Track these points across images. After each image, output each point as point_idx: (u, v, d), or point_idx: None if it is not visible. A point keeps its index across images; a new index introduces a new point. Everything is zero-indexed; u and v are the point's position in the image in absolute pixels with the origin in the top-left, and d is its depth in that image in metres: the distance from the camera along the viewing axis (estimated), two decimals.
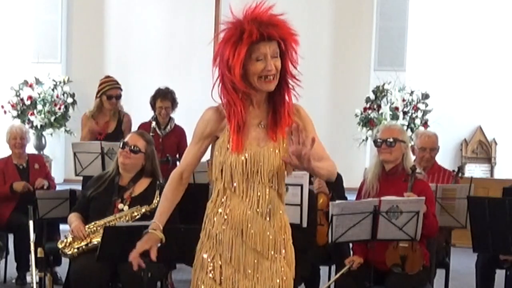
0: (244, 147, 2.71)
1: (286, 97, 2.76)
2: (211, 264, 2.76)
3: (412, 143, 5.64)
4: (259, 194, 2.74)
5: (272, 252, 2.77)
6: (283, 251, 2.80)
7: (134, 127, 6.37)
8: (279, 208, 2.79)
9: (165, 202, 2.88)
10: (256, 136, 2.75)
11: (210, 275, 2.76)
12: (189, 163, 2.86)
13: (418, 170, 4.45)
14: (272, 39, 2.66)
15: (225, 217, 2.75)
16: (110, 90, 6.38)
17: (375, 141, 4.53)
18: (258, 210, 2.74)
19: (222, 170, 2.74)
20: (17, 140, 6.11)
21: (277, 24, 2.68)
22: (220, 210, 2.76)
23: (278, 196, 2.78)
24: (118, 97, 6.40)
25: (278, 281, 2.78)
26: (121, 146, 4.50)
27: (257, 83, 2.67)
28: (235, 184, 2.73)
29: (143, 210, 4.33)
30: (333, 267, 5.02)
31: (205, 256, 2.78)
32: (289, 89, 2.75)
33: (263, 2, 2.70)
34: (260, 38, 2.63)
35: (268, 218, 2.75)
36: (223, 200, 2.76)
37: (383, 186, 4.43)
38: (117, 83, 6.49)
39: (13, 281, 5.93)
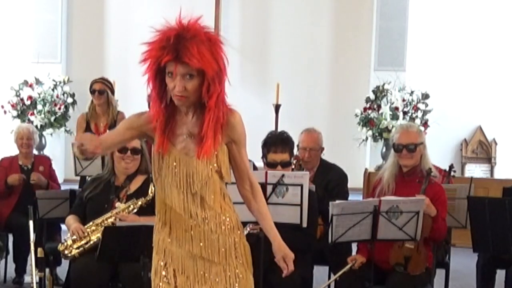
0: (169, 151, 2.72)
1: (213, 115, 2.67)
2: (165, 271, 2.78)
3: None
4: (193, 203, 2.73)
5: (222, 256, 2.78)
6: (235, 251, 2.81)
7: None
8: (220, 214, 2.77)
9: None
10: (185, 146, 2.74)
11: (165, 280, 2.78)
12: (110, 146, 2.84)
13: (433, 173, 4.43)
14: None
15: (168, 228, 2.77)
16: (93, 84, 6.52)
17: (394, 146, 4.48)
18: (196, 218, 2.74)
19: (157, 179, 2.76)
20: (23, 140, 6.12)
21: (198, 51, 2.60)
22: (162, 222, 2.79)
23: (213, 204, 2.76)
24: (101, 91, 6.44)
25: (233, 282, 2.79)
26: (117, 150, 4.46)
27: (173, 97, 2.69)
28: (168, 193, 2.74)
29: (139, 202, 4.35)
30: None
31: (159, 263, 2.80)
32: (214, 109, 2.67)
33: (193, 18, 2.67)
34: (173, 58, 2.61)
35: (208, 225, 2.75)
36: (163, 209, 2.78)
37: (399, 187, 4.42)
38: (103, 79, 6.58)
39: (13, 281, 5.93)
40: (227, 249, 2.79)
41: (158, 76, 2.70)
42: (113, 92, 6.59)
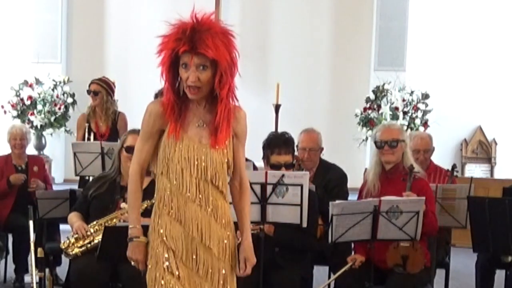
0: (182, 138, 2.80)
1: (225, 105, 2.80)
2: (167, 260, 2.82)
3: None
4: (202, 190, 2.81)
5: (220, 249, 2.84)
6: (228, 249, 2.87)
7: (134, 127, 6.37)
8: (223, 206, 2.86)
9: (137, 201, 2.95)
10: (198, 134, 2.83)
11: (168, 269, 2.82)
12: (146, 160, 2.93)
13: (416, 169, 4.46)
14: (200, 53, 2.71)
15: (173, 215, 2.82)
16: (90, 85, 6.54)
17: (376, 142, 4.52)
18: (203, 206, 2.81)
19: (167, 166, 2.82)
20: (16, 141, 6.09)
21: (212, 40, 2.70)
22: (166, 209, 2.83)
23: (220, 193, 2.85)
24: (96, 92, 6.45)
25: (225, 278, 2.86)
26: (125, 150, 4.44)
27: (185, 89, 2.78)
28: (179, 180, 2.80)
29: (145, 205, 4.32)
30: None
31: (159, 251, 2.83)
32: (226, 100, 2.79)
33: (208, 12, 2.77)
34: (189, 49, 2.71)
35: (213, 215, 2.83)
36: (169, 197, 2.83)
37: (383, 185, 4.44)
38: (100, 80, 6.56)
39: (13, 281, 5.93)
40: (223, 243, 2.85)
41: (172, 68, 2.78)
42: (111, 93, 6.54)
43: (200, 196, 2.80)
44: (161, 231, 2.84)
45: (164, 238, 2.82)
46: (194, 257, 2.82)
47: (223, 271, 2.86)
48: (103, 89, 6.46)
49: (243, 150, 2.94)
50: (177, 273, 2.81)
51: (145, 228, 2.94)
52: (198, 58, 2.70)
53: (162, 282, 2.81)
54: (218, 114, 2.78)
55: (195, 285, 2.82)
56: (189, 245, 2.82)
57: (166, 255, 2.82)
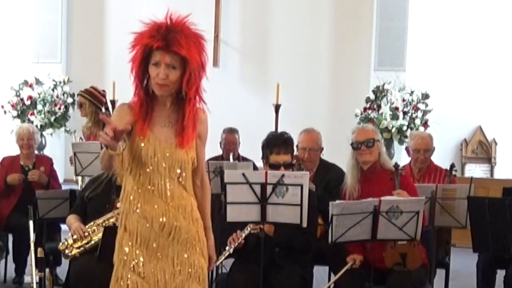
0: (148, 137, 2.83)
1: (192, 106, 2.86)
2: (134, 260, 2.85)
3: (407, 144, 5.66)
4: (169, 188, 2.85)
5: (190, 243, 2.89)
6: (197, 242, 2.92)
7: None
8: (190, 202, 2.91)
9: None
10: (164, 133, 2.87)
11: (133, 269, 2.85)
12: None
13: (400, 167, 4.53)
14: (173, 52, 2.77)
15: (140, 212, 2.85)
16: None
17: (352, 144, 4.58)
18: (169, 203, 2.85)
19: (133, 165, 2.85)
20: (24, 141, 6.11)
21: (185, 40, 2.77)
22: (134, 207, 2.86)
23: (186, 191, 2.90)
24: (79, 104, 6.44)
25: (197, 270, 2.91)
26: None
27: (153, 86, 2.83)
28: (145, 179, 2.85)
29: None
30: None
31: (126, 250, 2.87)
32: (193, 101, 2.86)
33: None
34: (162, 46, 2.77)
35: (180, 211, 2.87)
36: (136, 195, 2.86)
37: (364, 187, 4.49)
38: (84, 91, 6.41)
39: (13, 281, 5.93)
40: (192, 238, 2.89)
41: (142, 66, 2.83)
42: (98, 103, 6.34)
43: (168, 194, 2.85)
44: (129, 229, 2.87)
45: (133, 236, 2.85)
46: (165, 252, 2.85)
47: (197, 262, 2.90)
48: (86, 100, 6.32)
49: (204, 150, 3.03)
50: (142, 271, 2.84)
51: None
52: (170, 56, 2.77)
53: (128, 281, 2.83)
54: (187, 115, 2.84)
55: (166, 280, 2.84)
56: (159, 241, 2.85)
57: (133, 254, 2.85)
